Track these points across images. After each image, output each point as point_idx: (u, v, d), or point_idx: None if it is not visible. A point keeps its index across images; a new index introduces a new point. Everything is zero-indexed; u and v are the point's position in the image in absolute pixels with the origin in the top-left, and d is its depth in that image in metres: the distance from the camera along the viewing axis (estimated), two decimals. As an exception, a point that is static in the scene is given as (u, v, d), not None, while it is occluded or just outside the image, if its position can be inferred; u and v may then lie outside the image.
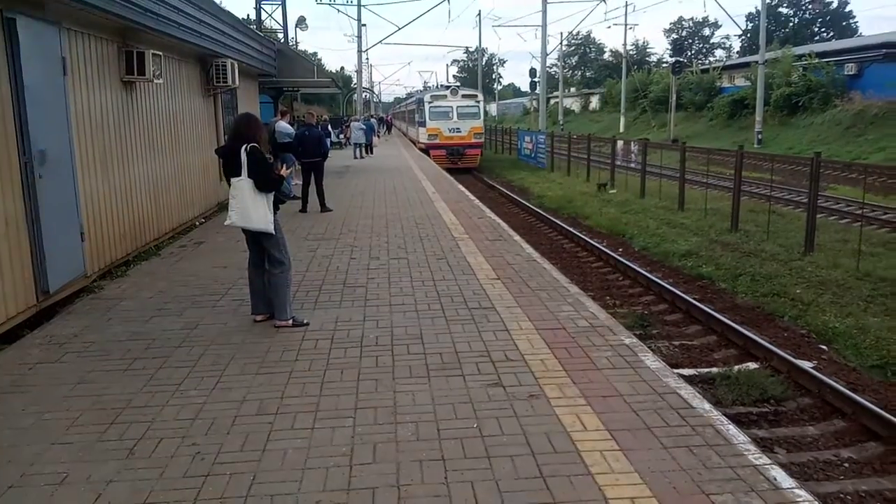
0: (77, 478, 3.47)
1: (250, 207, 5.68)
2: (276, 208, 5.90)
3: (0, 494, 3.33)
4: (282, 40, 26.57)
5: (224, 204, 13.06)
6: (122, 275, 7.91)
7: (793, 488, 3.29)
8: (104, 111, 7.95)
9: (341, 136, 35.56)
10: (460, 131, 30.40)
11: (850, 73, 33.31)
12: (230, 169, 5.75)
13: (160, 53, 9.23)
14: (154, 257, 8.88)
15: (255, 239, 5.95)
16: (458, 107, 30.84)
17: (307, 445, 3.76)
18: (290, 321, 5.88)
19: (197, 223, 11.55)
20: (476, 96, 32.72)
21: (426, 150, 30.64)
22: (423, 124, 32.09)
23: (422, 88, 61.55)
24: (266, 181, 5.71)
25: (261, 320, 6.01)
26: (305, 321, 5.97)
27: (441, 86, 40.77)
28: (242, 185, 5.67)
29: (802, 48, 41.18)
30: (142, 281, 7.62)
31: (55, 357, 5.25)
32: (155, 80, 9.08)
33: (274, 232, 5.79)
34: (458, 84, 40.40)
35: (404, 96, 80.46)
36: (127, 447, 3.78)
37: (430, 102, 31.21)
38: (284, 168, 5.99)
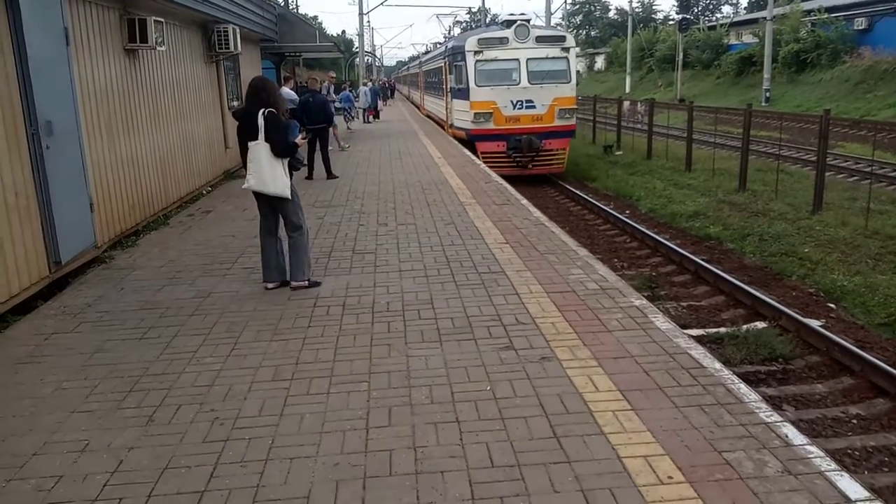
0: (98, 445, 3.54)
1: (267, 172, 5.69)
2: (290, 173, 5.92)
3: (24, 462, 3.40)
4: (282, 4, 26.23)
5: (230, 172, 13.06)
6: (132, 245, 7.94)
7: (804, 444, 3.32)
8: (108, 80, 7.90)
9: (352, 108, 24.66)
10: (534, 106, 16.55)
11: (860, 27, 32.75)
12: (246, 132, 5.76)
13: (162, 20, 9.12)
14: (163, 227, 8.91)
15: (272, 205, 5.98)
16: (529, 59, 16.63)
17: (323, 410, 3.82)
18: (307, 281, 6.02)
19: (204, 192, 11.54)
20: (563, 39, 17.40)
21: (469, 141, 17.39)
22: (462, 94, 17.79)
23: (441, 42, 36.99)
24: (283, 147, 5.71)
25: (272, 287, 6.05)
26: (318, 281, 6.15)
27: (497, 22, 20.57)
28: (259, 149, 5.68)
29: (811, 3, 40.29)
30: (152, 250, 7.66)
31: (70, 327, 5.31)
32: (157, 48, 8.99)
33: (291, 197, 5.82)
34: (527, 19, 17.64)
35: (407, 59, 75.30)
36: (146, 414, 3.85)
37: (476, 53, 16.82)
38: (300, 137, 6.03)
